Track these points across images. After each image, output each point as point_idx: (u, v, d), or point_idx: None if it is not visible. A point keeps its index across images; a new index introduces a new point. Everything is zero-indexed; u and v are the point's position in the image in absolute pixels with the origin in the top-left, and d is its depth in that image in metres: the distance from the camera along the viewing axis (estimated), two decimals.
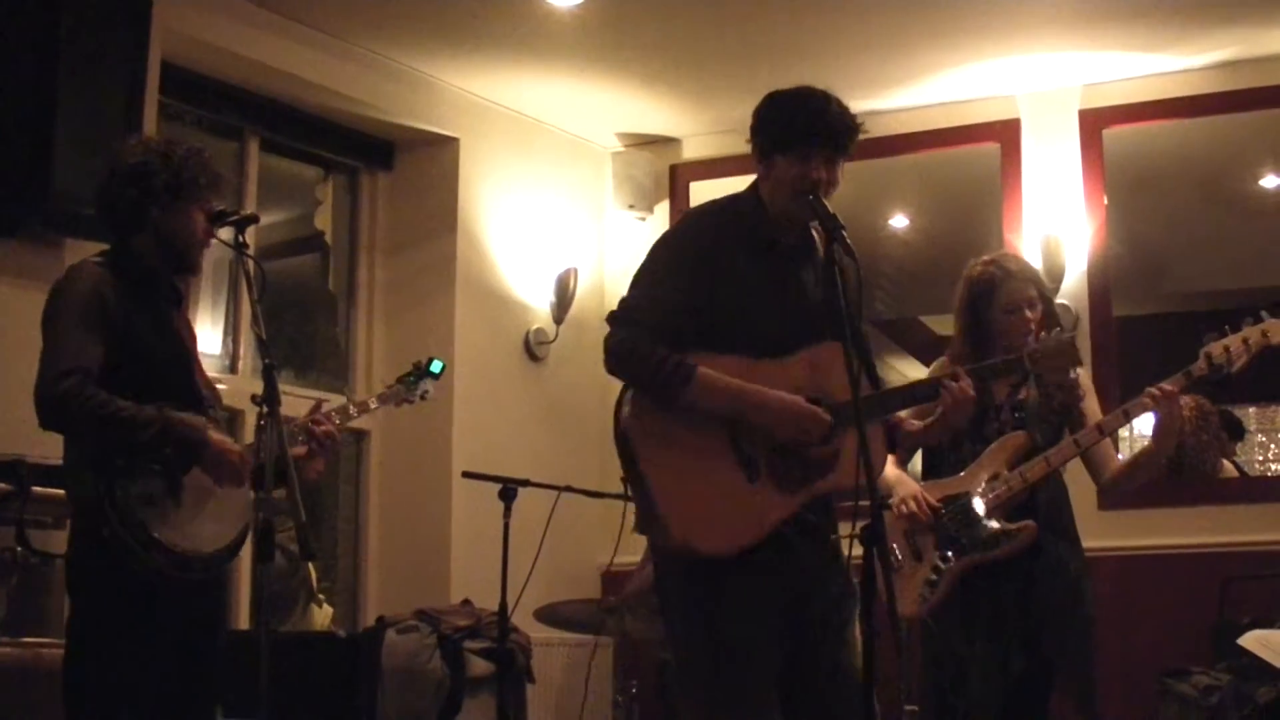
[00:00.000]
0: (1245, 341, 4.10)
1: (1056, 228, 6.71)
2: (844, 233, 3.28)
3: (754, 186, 3.51)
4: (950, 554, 4.21)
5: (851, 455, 3.20)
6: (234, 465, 3.56)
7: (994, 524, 4.19)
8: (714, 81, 6.83)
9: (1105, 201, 6.77)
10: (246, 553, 3.91)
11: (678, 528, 3.25)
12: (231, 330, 6.35)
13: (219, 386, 3.90)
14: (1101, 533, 5.66)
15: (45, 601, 4.53)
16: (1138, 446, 7.95)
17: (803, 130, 3.37)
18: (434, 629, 5.77)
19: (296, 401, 4.46)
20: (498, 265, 7.09)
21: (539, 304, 7.24)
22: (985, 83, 6.84)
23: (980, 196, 7.24)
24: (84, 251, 4.13)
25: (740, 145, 3.54)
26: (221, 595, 3.84)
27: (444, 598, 6.31)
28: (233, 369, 6.29)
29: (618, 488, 5.13)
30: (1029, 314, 4.23)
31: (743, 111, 3.52)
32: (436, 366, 4.39)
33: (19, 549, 4.37)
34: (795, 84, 3.47)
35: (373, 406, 4.24)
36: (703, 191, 7.29)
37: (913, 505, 4.22)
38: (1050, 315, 4.31)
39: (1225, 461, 6.99)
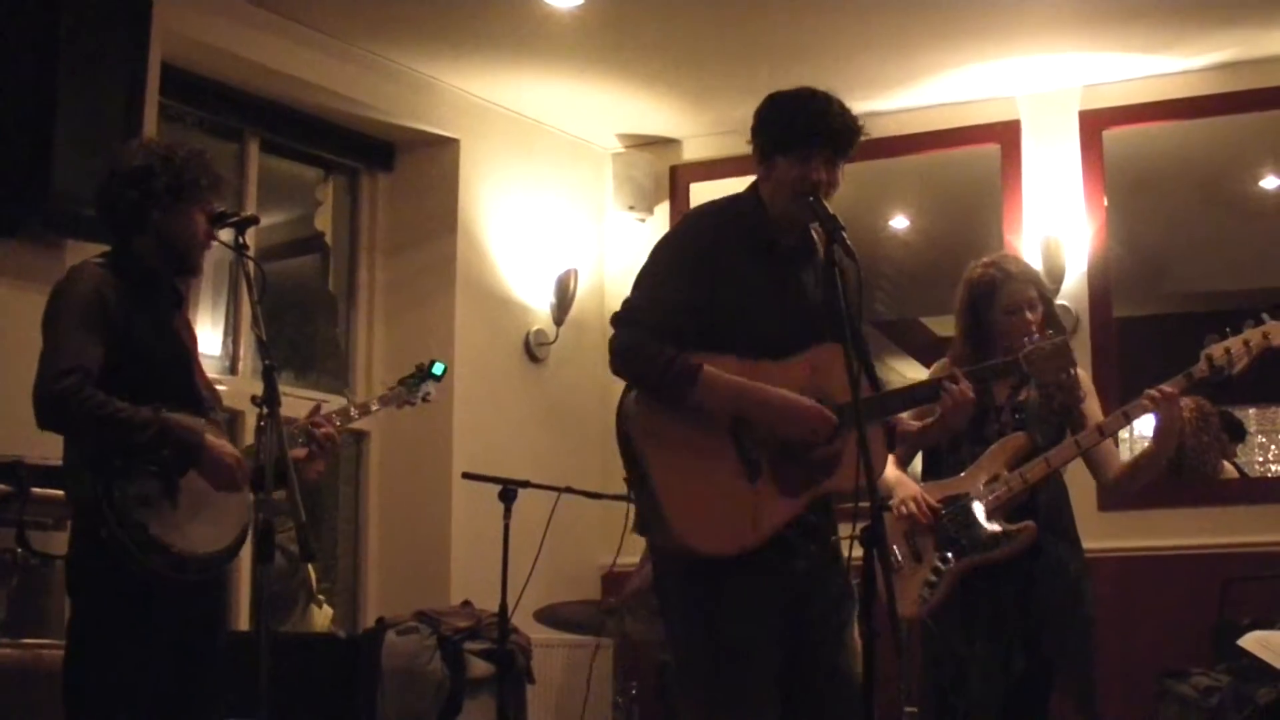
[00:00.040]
0: (1246, 343, 4.11)
1: (1057, 229, 6.71)
2: (844, 234, 3.28)
3: (754, 187, 3.52)
4: (950, 555, 4.21)
5: (852, 457, 3.21)
6: (230, 470, 3.56)
7: (994, 527, 4.19)
8: (714, 82, 6.83)
9: (1105, 203, 6.77)
10: (246, 554, 3.90)
11: (681, 529, 3.25)
12: (231, 331, 6.35)
13: (219, 388, 3.90)
14: (1101, 533, 5.67)
15: (45, 603, 4.53)
16: (1138, 448, 7.95)
17: (804, 131, 3.37)
18: (434, 630, 5.78)
19: (296, 402, 4.45)
20: (498, 266, 7.09)
21: (539, 305, 7.24)
22: (985, 84, 6.84)
23: (980, 198, 7.24)
24: (84, 252, 4.13)
25: (741, 146, 3.54)
26: (221, 596, 3.84)
27: (444, 599, 6.31)
28: (233, 370, 6.30)
29: (618, 489, 5.15)
30: (1029, 315, 4.23)
31: (743, 112, 3.52)
32: (438, 369, 4.39)
33: (19, 550, 4.37)
34: (795, 85, 3.47)
35: (374, 408, 4.24)
36: (703, 193, 7.28)
37: (913, 506, 4.22)
38: (1051, 316, 4.31)
39: (1225, 463, 6.99)
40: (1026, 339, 3.94)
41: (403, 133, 6.93)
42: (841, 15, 6.18)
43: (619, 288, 7.30)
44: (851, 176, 3.48)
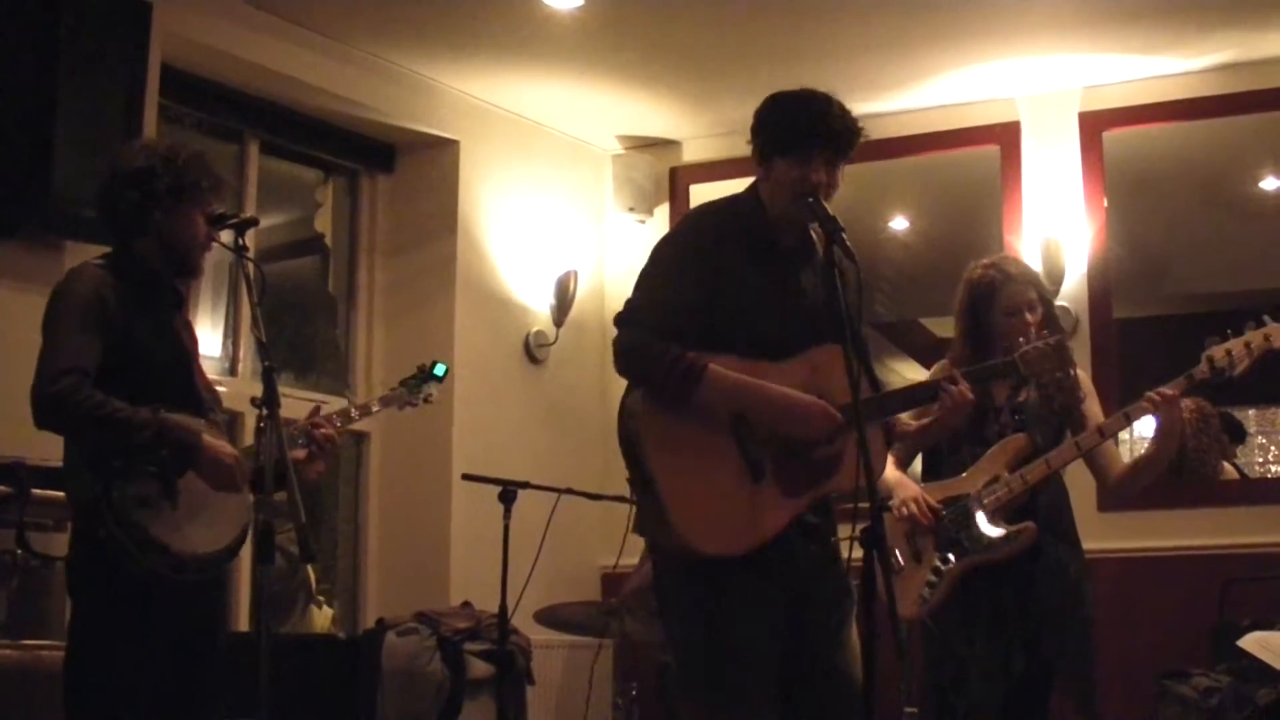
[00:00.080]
0: (1247, 345, 4.11)
1: (1056, 230, 6.71)
2: (843, 235, 3.29)
3: (753, 188, 3.52)
4: (950, 555, 4.21)
5: (853, 457, 3.21)
6: (229, 470, 3.56)
7: (994, 531, 4.19)
8: (714, 84, 6.83)
9: (1105, 204, 6.77)
10: (246, 555, 3.90)
11: (685, 529, 3.25)
12: (231, 333, 6.35)
13: (219, 389, 3.90)
14: (1101, 534, 5.67)
15: (45, 604, 4.53)
16: (1138, 449, 7.95)
17: (803, 133, 3.37)
18: (434, 631, 5.78)
19: (296, 404, 4.46)
20: (498, 268, 7.09)
21: (539, 306, 7.24)
22: (985, 85, 6.84)
23: (980, 199, 7.24)
24: (84, 254, 4.13)
25: (740, 148, 3.54)
26: (221, 597, 3.84)
27: (444, 600, 6.31)
28: (232, 371, 6.30)
29: (618, 490, 5.17)
30: (1029, 317, 4.23)
31: (743, 114, 3.52)
32: (440, 369, 4.39)
33: (19, 551, 4.37)
34: (795, 86, 3.47)
35: (375, 409, 4.24)
36: (703, 194, 7.27)
37: (914, 508, 4.22)
38: (1050, 318, 4.32)
39: (1226, 464, 6.99)
40: (1022, 339, 3.94)
41: (402, 134, 6.93)
42: (841, 17, 6.18)
43: (619, 289, 7.32)
44: (851, 178, 3.48)
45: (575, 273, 7.28)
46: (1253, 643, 4.78)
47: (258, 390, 3.51)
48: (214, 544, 3.58)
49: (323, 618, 6.63)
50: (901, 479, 4.31)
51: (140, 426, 3.44)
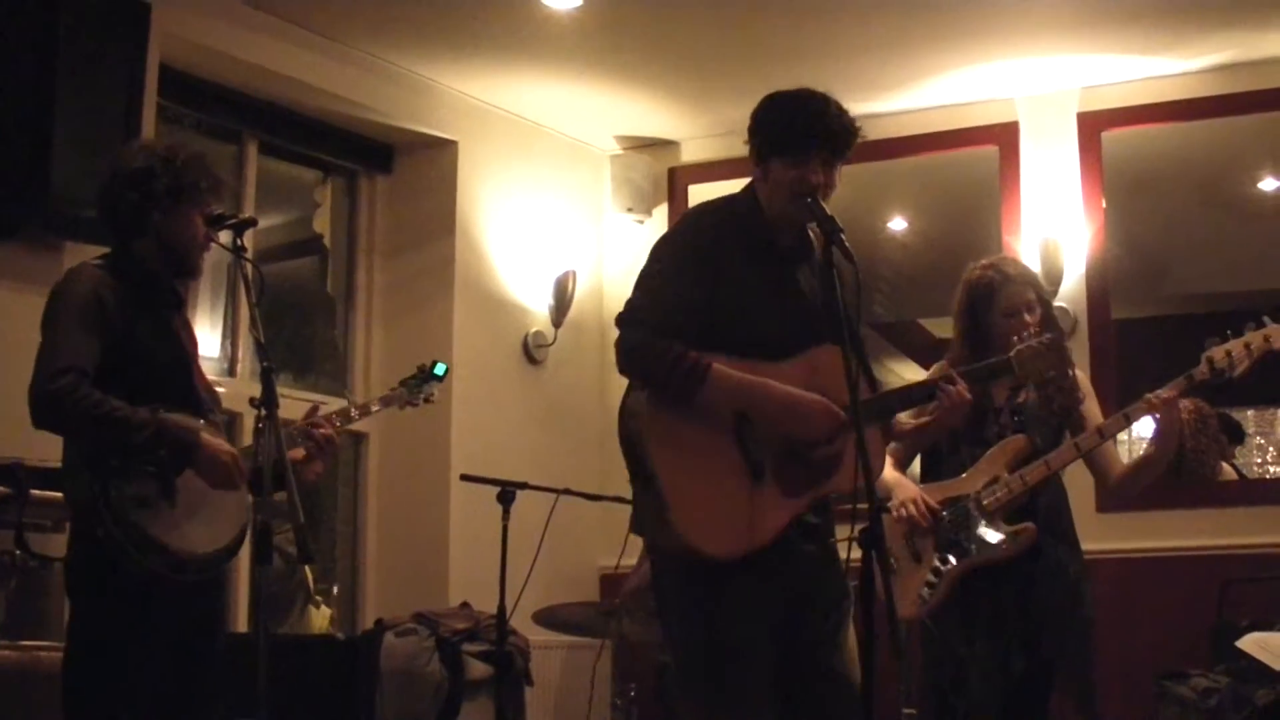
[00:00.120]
0: (1247, 346, 4.11)
1: (1055, 231, 6.71)
2: (842, 235, 3.28)
3: (750, 188, 3.51)
4: (950, 556, 4.21)
5: (852, 457, 3.21)
6: (227, 468, 3.56)
7: (993, 532, 4.19)
8: (713, 84, 6.83)
9: (1104, 204, 6.78)
10: (245, 555, 3.90)
11: (687, 530, 3.24)
12: (230, 333, 6.35)
13: (218, 390, 3.90)
14: (1101, 535, 5.67)
15: (44, 605, 4.52)
16: (1136, 450, 7.95)
17: (801, 133, 3.37)
18: (432, 631, 5.77)
19: (295, 404, 4.46)
20: (496, 268, 7.09)
21: (537, 307, 7.24)
22: (984, 86, 6.85)
23: (979, 199, 7.24)
24: (82, 254, 4.13)
25: (739, 148, 3.54)
26: (221, 596, 3.84)
27: (442, 600, 6.31)
28: (231, 372, 6.29)
29: (617, 490, 5.16)
30: (1028, 317, 4.23)
31: (741, 114, 3.51)
32: (440, 369, 4.39)
33: (18, 552, 4.37)
34: (794, 86, 3.47)
35: (374, 409, 4.24)
36: (701, 194, 7.27)
37: (913, 509, 4.22)
38: (1049, 319, 4.32)
39: (1224, 464, 6.99)
40: (1016, 338, 3.94)
41: (401, 134, 6.93)
42: (840, 17, 6.18)
43: (617, 290, 7.32)
44: (850, 178, 3.47)
45: (574, 273, 7.27)
46: (1251, 643, 4.79)
47: (256, 391, 3.51)
48: (213, 543, 3.58)
49: (321, 618, 6.63)
50: (900, 480, 4.31)
51: (139, 426, 3.44)
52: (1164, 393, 4.12)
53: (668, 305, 3.33)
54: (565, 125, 7.41)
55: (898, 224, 8.78)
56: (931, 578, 4.22)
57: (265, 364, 3.52)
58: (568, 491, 5.69)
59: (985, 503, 4.20)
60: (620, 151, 7.67)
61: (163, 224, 3.65)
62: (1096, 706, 4.31)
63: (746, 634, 3.29)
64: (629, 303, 3.39)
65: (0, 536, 4.39)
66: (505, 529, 5.37)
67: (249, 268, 3.67)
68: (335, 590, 6.70)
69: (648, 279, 3.41)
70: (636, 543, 3.85)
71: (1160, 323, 9.10)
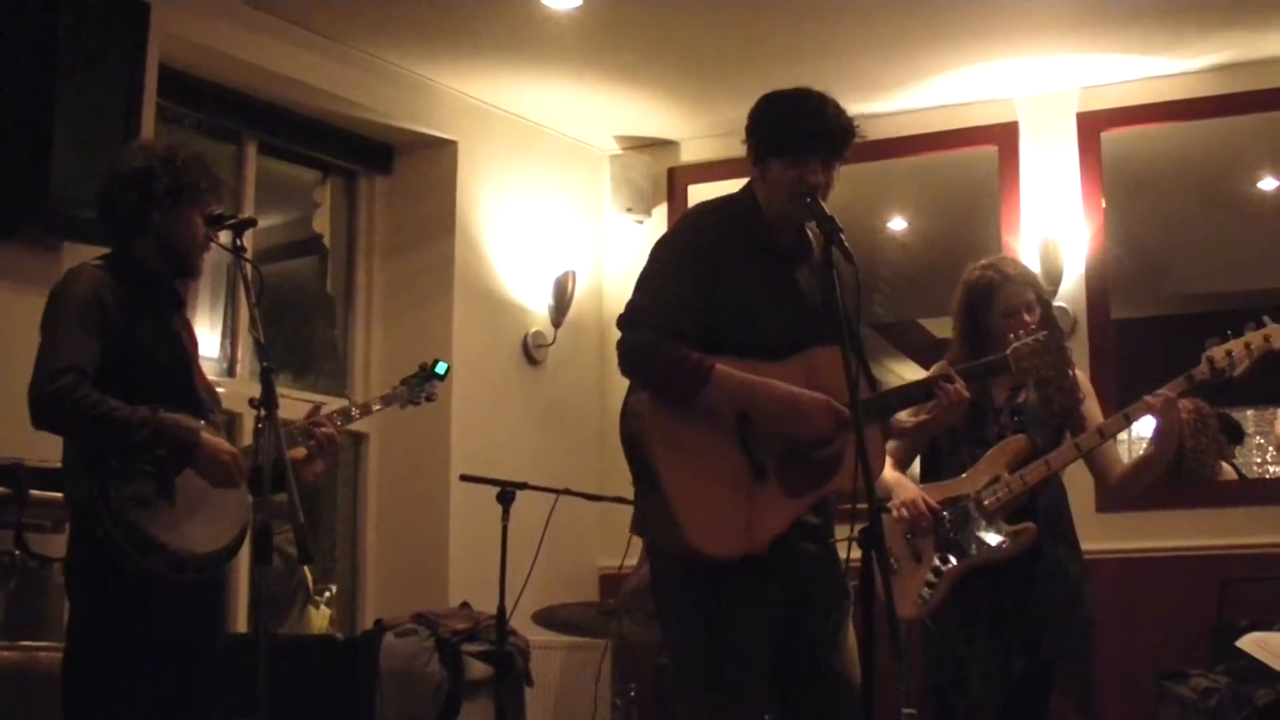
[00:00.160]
0: (1247, 346, 4.11)
1: (1055, 230, 6.72)
2: (842, 235, 3.28)
3: (748, 188, 3.51)
4: (950, 557, 4.21)
5: (853, 457, 3.20)
6: (226, 466, 3.56)
7: (994, 532, 4.19)
8: (712, 84, 6.83)
9: (1103, 204, 6.78)
10: (244, 556, 3.90)
11: (691, 531, 3.24)
12: (229, 334, 6.35)
13: (217, 390, 3.90)
14: (1101, 535, 5.67)
15: (44, 605, 4.52)
16: (1136, 450, 7.95)
17: (800, 134, 3.36)
18: (432, 632, 5.77)
19: (294, 405, 4.46)
20: (496, 268, 7.09)
21: (537, 307, 7.24)
22: (983, 86, 6.85)
23: (978, 199, 7.24)
24: (82, 255, 4.13)
25: (739, 148, 3.53)
26: (220, 597, 3.84)
27: (442, 600, 6.31)
28: (231, 372, 6.29)
29: (616, 491, 5.16)
30: (1027, 318, 4.23)
31: (741, 114, 3.51)
32: (441, 368, 4.39)
33: (17, 553, 4.37)
34: (794, 86, 3.46)
35: (375, 408, 4.23)
36: (701, 194, 7.26)
37: (913, 509, 4.21)
38: (1049, 319, 4.31)
39: (1224, 464, 6.99)
40: (1012, 336, 3.94)
41: (401, 135, 6.93)
42: (840, 17, 6.18)
43: (617, 290, 7.32)
44: (849, 178, 3.47)
45: (573, 273, 7.27)
46: (1251, 643, 4.79)
47: (256, 391, 3.50)
48: (213, 543, 3.58)
49: (320, 618, 6.62)
50: (900, 480, 4.31)
51: (138, 425, 3.44)
52: (1164, 392, 4.12)
53: (668, 306, 3.33)
54: (565, 125, 7.41)
55: (897, 224, 8.78)
56: (931, 578, 4.22)
57: (265, 364, 3.52)
58: (567, 492, 5.69)
59: (985, 503, 4.21)
60: (620, 151, 7.67)
61: (162, 224, 3.65)
62: (1096, 706, 4.31)
63: (746, 634, 3.29)
64: (630, 304, 3.38)
65: (0, 537, 4.39)
66: (505, 529, 5.36)
67: (249, 268, 3.67)
68: (328, 592, 6.69)
69: (648, 280, 3.41)
70: (638, 544, 3.85)
71: (1160, 323, 9.10)
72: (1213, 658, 5.41)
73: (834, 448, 3.36)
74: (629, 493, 3.45)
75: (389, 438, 6.80)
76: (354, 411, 4.07)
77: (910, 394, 3.66)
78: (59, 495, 3.85)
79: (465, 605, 6.11)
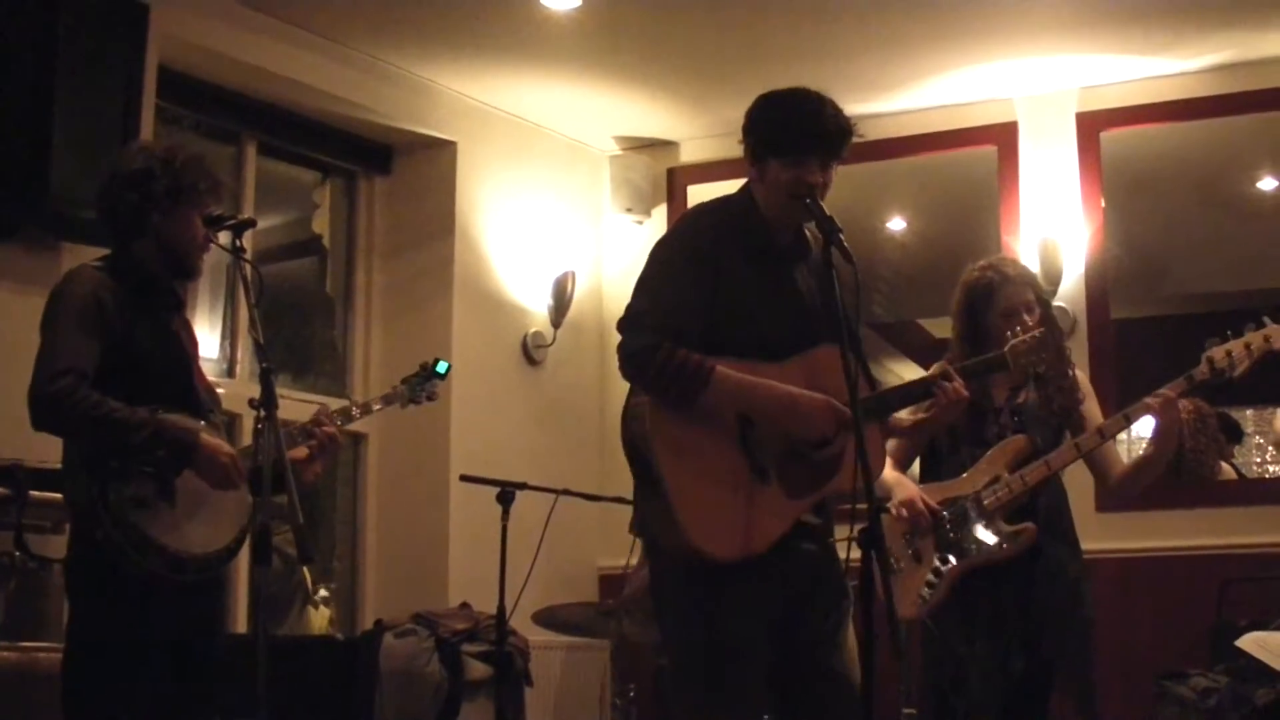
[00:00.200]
0: (1247, 346, 4.11)
1: (1054, 230, 6.72)
2: (841, 235, 3.28)
3: (746, 188, 3.50)
4: (950, 557, 4.21)
5: (852, 457, 3.20)
6: (226, 468, 3.56)
7: (993, 532, 4.19)
8: (711, 85, 6.83)
9: (1103, 204, 6.78)
10: (244, 556, 3.90)
11: (694, 533, 3.24)
12: (229, 334, 6.35)
13: (217, 390, 3.90)
14: (1100, 535, 5.67)
15: (43, 606, 4.52)
16: (1136, 450, 7.95)
17: (797, 134, 3.36)
18: (432, 632, 5.77)
19: (294, 405, 4.46)
20: (495, 269, 7.09)
21: (537, 307, 7.24)
22: (982, 86, 6.85)
23: (978, 199, 7.24)
24: (81, 255, 4.14)
25: (738, 149, 3.52)
26: (220, 597, 3.85)
27: (442, 601, 6.31)
28: (230, 373, 6.29)
29: (616, 491, 5.16)
30: (1027, 318, 4.22)
31: (740, 114, 3.50)
32: (442, 367, 4.39)
33: (17, 554, 4.37)
34: (791, 86, 3.46)
35: (376, 408, 4.23)
36: (700, 195, 7.26)
37: (913, 509, 4.21)
38: (1049, 319, 4.30)
39: (1223, 464, 6.99)
40: (1009, 333, 3.93)
41: (400, 135, 6.93)
42: (839, 17, 6.18)
43: (616, 290, 7.32)
44: (848, 178, 3.47)
45: (573, 274, 7.27)
46: (1251, 643, 4.79)
47: (255, 392, 3.51)
48: (213, 544, 3.58)
49: (320, 619, 6.62)
50: (900, 480, 4.31)
51: (137, 426, 3.44)
52: (1164, 393, 4.12)
53: (668, 308, 3.32)
54: (564, 126, 7.41)
55: (897, 224, 8.78)
56: (931, 578, 4.21)
57: (264, 365, 3.52)
58: (567, 492, 5.69)
59: (985, 503, 4.20)
60: (619, 152, 7.67)
61: (162, 225, 3.65)
62: (1096, 706, 4.31)
63: (746, 634, 3.29)
64: (630, 306, 3.38)
65: (0, 537, 4.39)
66: (505, 529, 5.37)
67: (248, 269, 3.67)
68: (323, 591, 6.69)
69: (647, 282, 3.40)
70: (637, 543, 3.85)
71: (1160, 323, 9.10)
72: (1212, 657, 5.41)
73: (834, 448, 3.35)
74: (629, 493, 3.45)
75: (389, 438, 6.80)
76: (354, 411, 4.08)
77: (909, 393, 3.66)
78: (59, 496, 3.85)
79: (465, 605, 6.11)
